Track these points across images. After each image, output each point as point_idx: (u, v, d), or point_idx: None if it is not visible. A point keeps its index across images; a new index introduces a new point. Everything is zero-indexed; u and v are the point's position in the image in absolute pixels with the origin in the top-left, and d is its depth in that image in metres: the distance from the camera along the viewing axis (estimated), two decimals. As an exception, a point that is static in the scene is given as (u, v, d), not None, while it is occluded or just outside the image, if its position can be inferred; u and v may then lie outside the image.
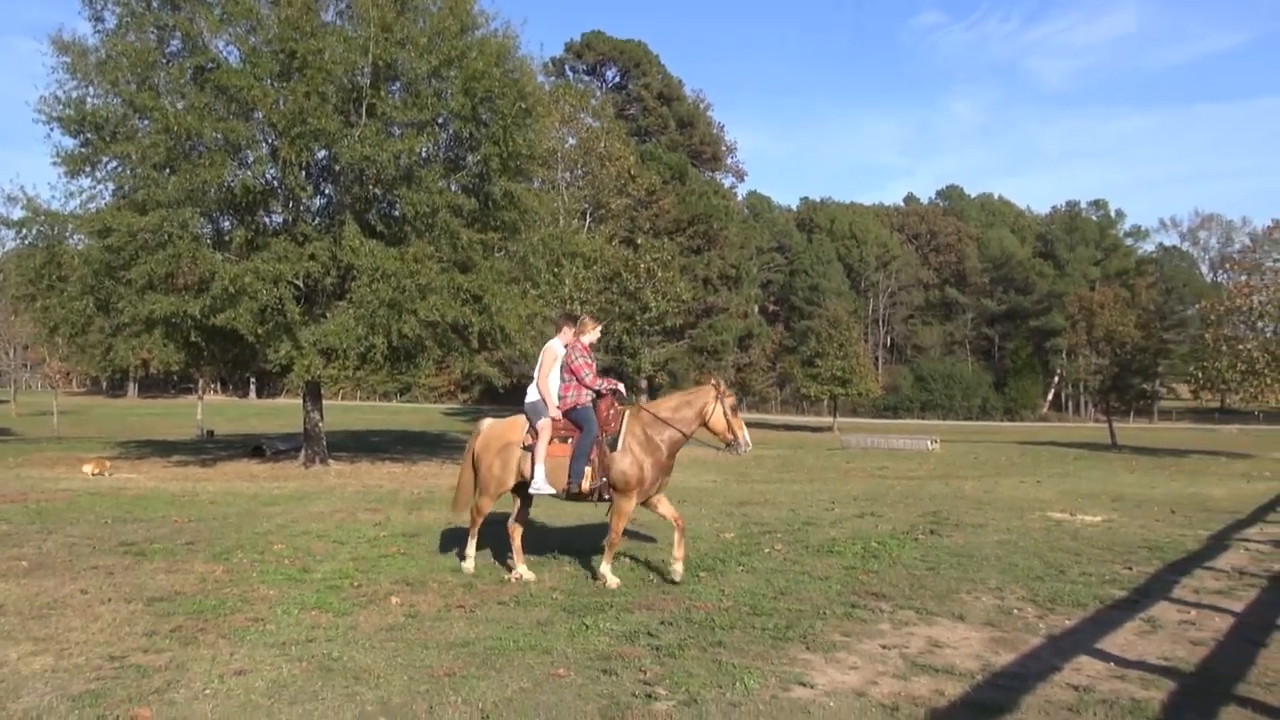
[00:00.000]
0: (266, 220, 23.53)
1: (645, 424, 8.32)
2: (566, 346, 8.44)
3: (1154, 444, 45.87)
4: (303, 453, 24.64)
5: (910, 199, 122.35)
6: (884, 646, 6.16)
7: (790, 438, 57.88)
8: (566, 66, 70.94)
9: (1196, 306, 49.59)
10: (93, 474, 19.59)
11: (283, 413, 57.93)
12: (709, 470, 24.39)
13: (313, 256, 21.05)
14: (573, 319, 8.81)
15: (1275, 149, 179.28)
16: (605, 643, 6.13)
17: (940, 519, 13.17)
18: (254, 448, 28.95)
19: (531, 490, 8.26)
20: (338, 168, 22.20)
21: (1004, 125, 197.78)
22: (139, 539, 10.42)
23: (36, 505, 13.60)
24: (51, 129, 21.42)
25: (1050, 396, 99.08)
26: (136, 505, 14.00)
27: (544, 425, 8.20)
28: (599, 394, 8.34)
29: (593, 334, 8.66)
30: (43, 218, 21.66)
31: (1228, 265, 47.46)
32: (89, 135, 21.47)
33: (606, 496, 8.22)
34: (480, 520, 8.79)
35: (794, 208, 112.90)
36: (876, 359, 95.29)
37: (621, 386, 8.59)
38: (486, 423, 8.91)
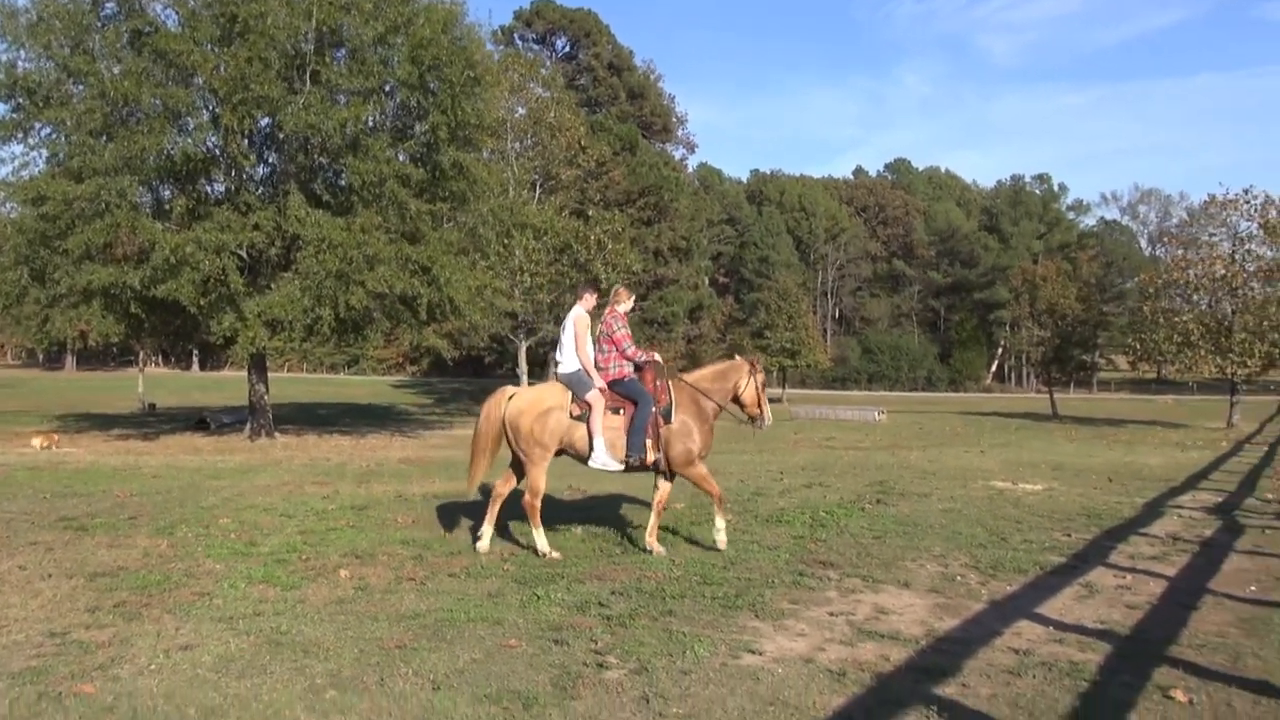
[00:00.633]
0: (208, 189, 22.99)
1: (690, 395, 8.38)
2: (605, 316, 8.40)
3: (1093, 414, 46.96)
4: (248, 426, 24.28)
5: (859, 171, 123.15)
6: (831, 614, 6.26)
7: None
8: (516, 35, 70.03)
9: (1135, 280, 50.75)
10: (41, 447, 19.13)
11: (227, 385, 56.95)
12: (659, 442, 24.48)
13: (257, 226, 20.63)
14: (596, 286, 8.94)
15: (1212, 125, 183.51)
16: (557, 613, 6.15)
17: (887, 489, 13.39)
18: (198, 421, 28.46)
19: (591, 464, 8.10)
20: (282, 136, 21.74)
21: (952, 99, 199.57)
22: (79, 514, 10.22)
23: (-29, 481, 13.26)
24: (-20, 94, 20.71)
25: (994, 368, 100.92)
26: (76, 480, 13.72)
27: (595, 397, 8.07)
28: (638, 366, 8.31)
29: (627, 304, 8.64)
30: (-29, 185, 20.98)
31: (1165, 239, 48.60)
32: (20, 100, 20.77)
33: (663, 469, 8.23)
34: (539, 504, 8.19)
35: (744, 180, 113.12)
36: (825, 331, 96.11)
37: (659, 357, 8.57)
38: (512, 391, 8.49)
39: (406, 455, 19.23)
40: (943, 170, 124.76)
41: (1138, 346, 39.49)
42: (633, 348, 8.28)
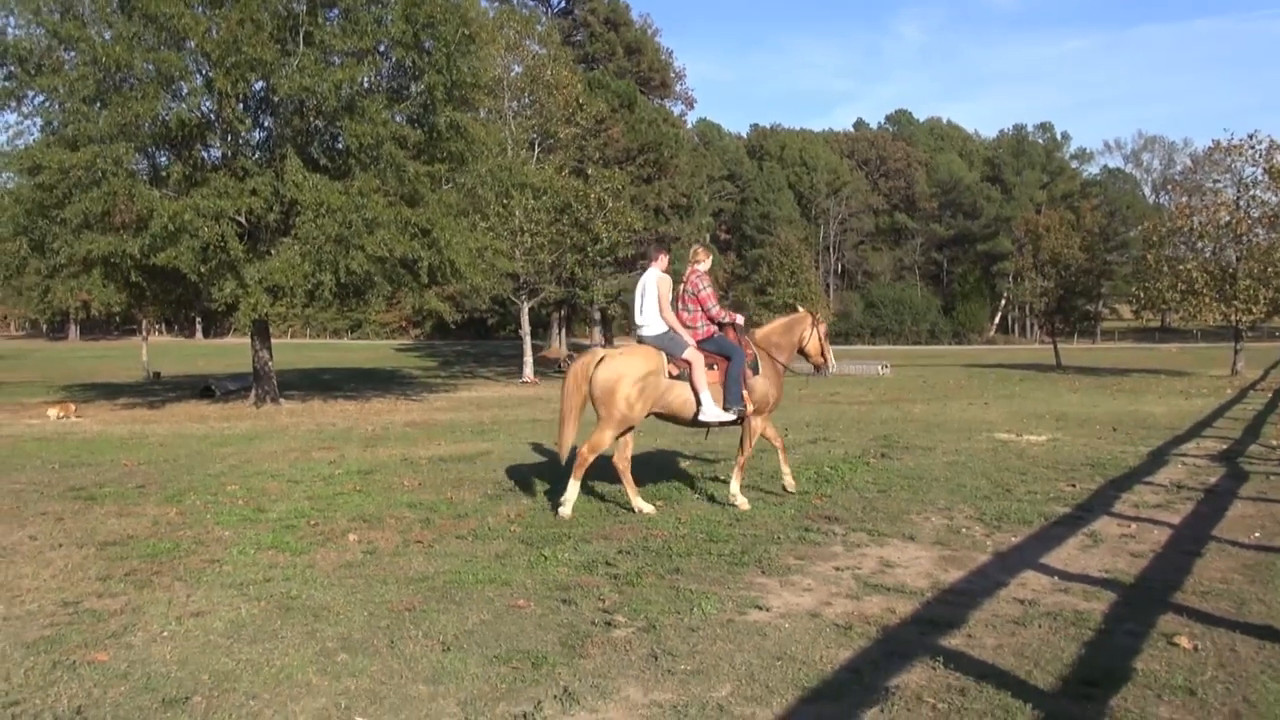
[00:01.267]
0: (205, 155, 22.79)
1: (765, 349, 8.78)
2: (688, 276, 8.56)
3: (1097, 364, 46.94)
4: (253, 392, 24.32)
5: (860, 124, 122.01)
6: (837, 568, 6.30)
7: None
8: (510, -9, 69.09)
9: (1139, 228, 50.34)
10: (57, 417, 19.20)
11: (231, 352, 57.05)
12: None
13: (254, 192, 20.48)
14: (666, 247, 9.13)
15: (1215, 70, 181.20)
16: (564, 573, 6.19)
17: (891, 442, 13.42)
18: (203, 388, 28.51)
19: (703, 418, 8.28)
20: (276, 99, 21.49)
21: (951, 49, 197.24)
22: (88, 483, 10.27)
23: (-21, 452, 13.32)
24: (-30, 63, 20.48)
25: (997, 320, 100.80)
26: (84, 449, 13.78)
27: (694, 355, 8.23)
28: (720, 325, 8.53)
29: (706, 262, 8.78)
30: (-34, 155, 20.82)
31: (1169, 187, 48.20)
32: (12, 68, 20.52)
33: (738, 420, 8.54)
34: (592, 459, 8.19)
35: (744, 135, 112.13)
36: (828, 286, 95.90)
37: (740, 319, 8.76)
38: (602, 354, 8.35)
39: (412, 419, 19.28)
40: (944, 121, 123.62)
41: (1141, 295, 39.35)
42: (717, 307, 8.49)
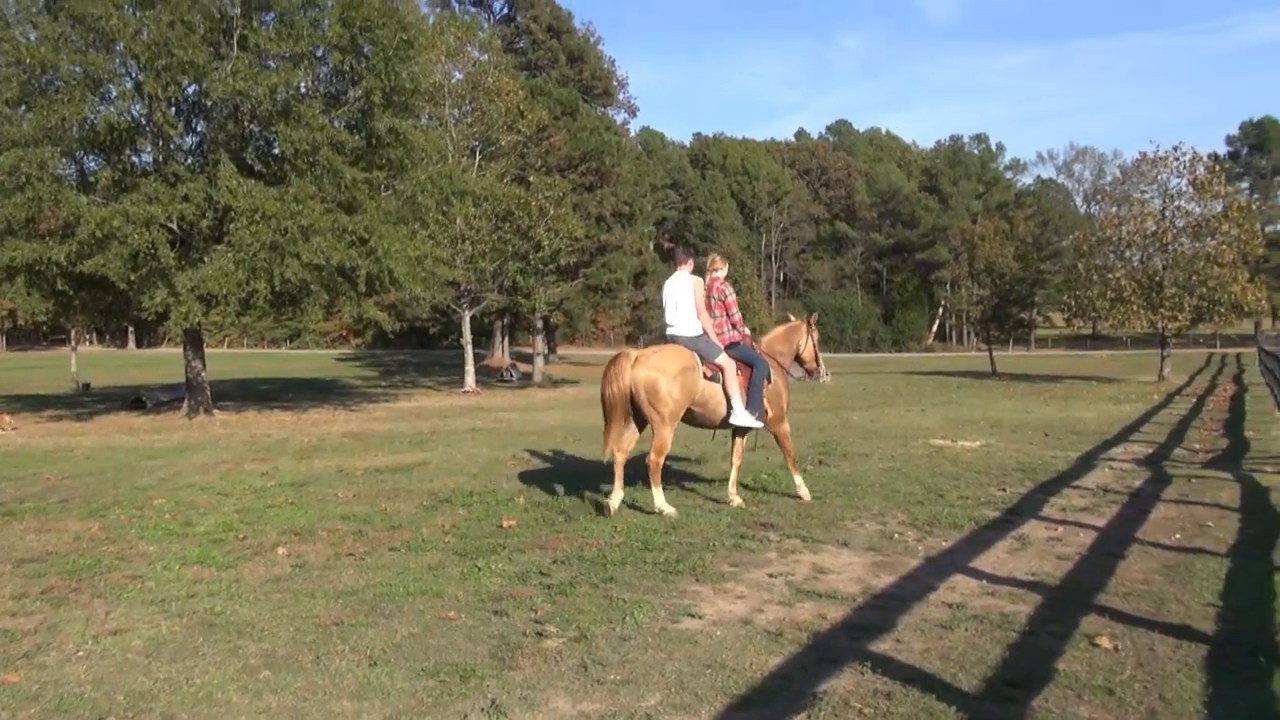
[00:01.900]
0: (135, 160, 22.25)
1: (771, 357, 9.13)
2: (710, 283, 8.86)
3: (1031, 371, 47.90)
4: (185, 403, 23.76)
5: (801, 134, 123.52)
6: (770, 575, 6.32)
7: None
8: (452, -2, 68.72)
9: (1070, 237, 51.63)
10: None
11: (165, 362, 55.72)
12: (605, 408, 24.48)
13: (186, 198, 20.04)
14: (693, 251, 9.34)
15: (1143, 83, 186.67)
16: (497, 584, 6.13)
17: (829, 449, 13.55)
18: (133, 399, 27.79)
19: (734, 420, 8.58)
20: (209, 103, 21.07)
21: (892, 61, 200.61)
22: (7, 498, 9.95)
23: (-108, 467, 12.82)
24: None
25: (935, 327, 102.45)
26: (4, 463, 13.35)
27: (726, 361, 8.55)
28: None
29: (724, 269, 9.14)
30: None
31: (1099, 197, 49.42)
32: (-69, 69, 19.88)
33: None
34: (662, 461, 8.47)
35: (687, 144, 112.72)
36: (770, 294, 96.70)
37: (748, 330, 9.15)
38: (635, 354, 8.52)
39: (350, 430, 19.00)
40: (883, 131, 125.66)
41: (1073, 303, 40.24)
42: (739, 314, 8.97)
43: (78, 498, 9.98)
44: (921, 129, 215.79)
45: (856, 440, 14.85)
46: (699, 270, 9.03)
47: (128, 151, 21.80)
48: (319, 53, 21.79)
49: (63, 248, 19.05)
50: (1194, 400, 24.55)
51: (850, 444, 14.23)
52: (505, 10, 69.60)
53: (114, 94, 20.32)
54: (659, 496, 8.40)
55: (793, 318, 9.99)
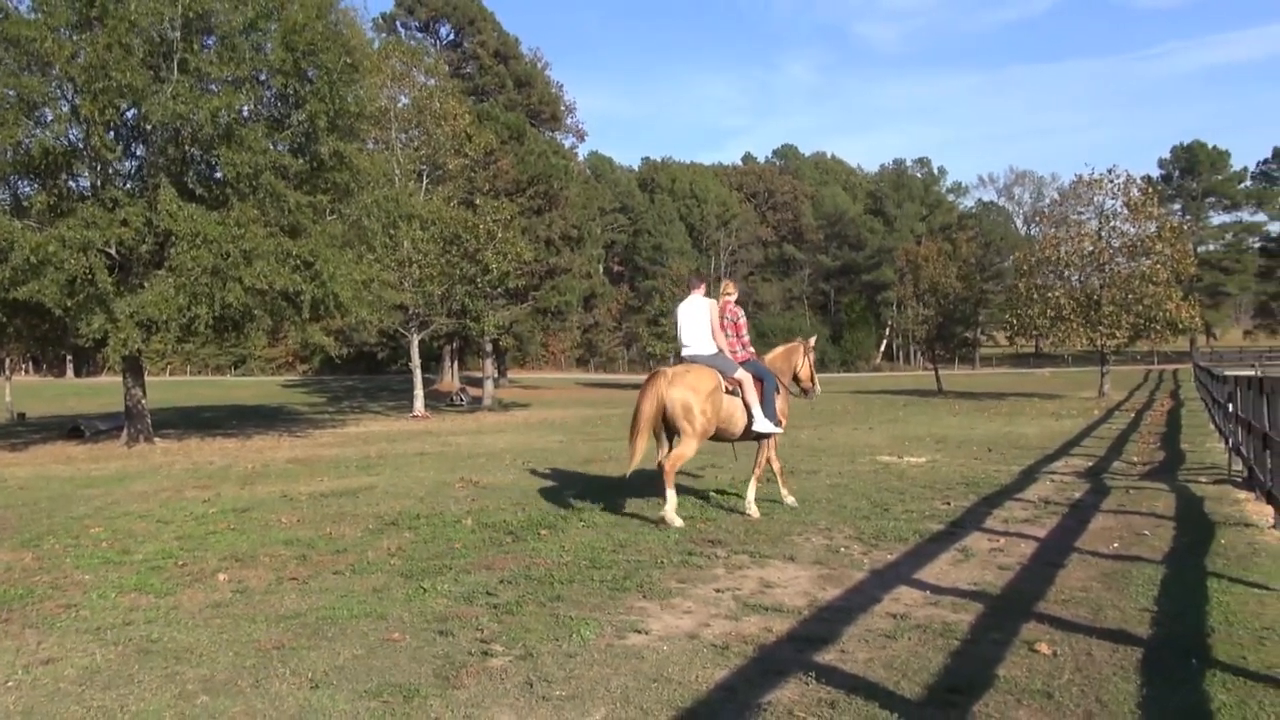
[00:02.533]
0: (71, 184, 21.78)
1: (774, 375, 9.68)
2: (724, 306, 9.48)
3: (975, 389, 48.71)
4: (125, 432, 23.23)
5: (748, 158, 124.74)
6: (718, 590, 6.34)
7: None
8: (398, 23, 68.62)
9: (1011, 258, 52.71)
10: None
11: (105, 391, 54.40)
12: (556, 431, 24.43)
13: (125, 222, 19.66)
14: (703, 277, 10.11)
15: (1080, 108, 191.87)
16: (443, 605, 6.07)
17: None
18: (71, 428, 27.08)
19: (757, 428, 9.21)
20: (149, 127, 20.73)
21: (836, 87, 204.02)
22: (-66, 530, 9.62)
23: None
24: None
25: (883, 347, 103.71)
26: (-67, 495, 12.92)
27: (744, 375, 9.17)
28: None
29: (734, 293, 9.80)
30: None
31: (1038, 219, 50.56)
32: None
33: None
34: (677, 469, 8.93)
35: (635, 168, 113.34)
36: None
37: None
38: (670, 373, 8.98)
39: (295, 455, 18.71)
40: (829, 156, 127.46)
41: (1014, 322, 41.07)
42: (748, 335, 9.64)
43: (9, 528, 9.70)
44: (866, 153, 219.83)
45: (805, 458, 14.96)
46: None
47: (64, 175, 21.35)
48: (261, 76, 21.59)
49: (-4, 274, 18.58)
50: (1133, 415, 25.15)
51: (798, 461, 14.33)
52: (452, 35, 69.75)
53: (49, 117, 19.93)
54: (671, 502, 8.75)
55: (796, 339, 10.91)
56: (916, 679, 4.50)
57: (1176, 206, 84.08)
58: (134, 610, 6.13)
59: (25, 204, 20.59)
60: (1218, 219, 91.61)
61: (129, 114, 20.94)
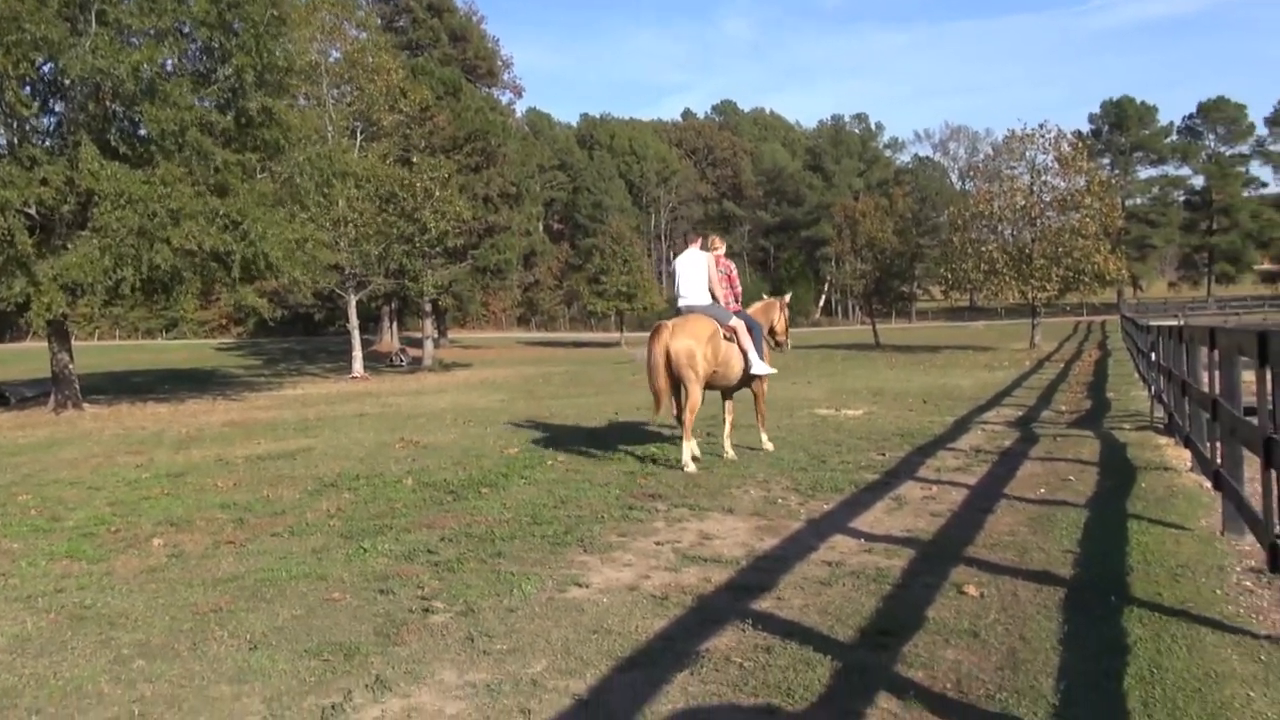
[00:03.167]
0: (-15, 142, 21.00)
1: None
2: (716, 260, 10.01)
3: (912, 342, 49.56)
4: (52, 398, 22.62)
5: (687, 114, 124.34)
6: (658, 543, 6.42)
7: (579, 354, 58.53)
8: (327, -26, 66.63)
9: (946, 212, 53.45)
10: None
11: (30, 357, 52.70)
12: (498, 390, 24.36)
13: (45, 181, 18.99)
14: (700, 233, 10.87)
15: (1014, 64, 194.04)
16: (383, 564, 6.07)
17: (717, 422, 13.70)
18: (-6, 395, 26.33)
19: (754, 371, 10.00)
20: (67, 82, 19.97)
21: (775, 41, 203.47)
22: None
23: None
24: None
25: (822, 302, 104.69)
26: None
27: (738, 323, 9.87)
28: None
29: (723, 247, 10.35)
30: None
31: (973, 174, 51.29)
32: None
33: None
34: (693, 418, 9.57)
35: (574, 125, 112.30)
36: (660, 273, 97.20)
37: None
38: (671, 324, 9.51)
39: (230, 419, 18.41)
40: (768, 112, 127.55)
41: (949, 276, 41.82)
42: (739, 287, 10.35)
43: (-68, 498, 9.42)
44: (805, 109, 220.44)
45: (744, 412, 15.08)
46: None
47: (-23, 134, 20.54)
48: (185, 29, 20.92)
49: (-93, 236, 17.89)
50: (1062, 366, 25.84)
51: (738, 416, 14.44)
52: (384, -13, 67.86)
53: (-41, 71, 19.10)
54: (688, 450, 9.39)
55: (765, 296, 11.74)
56: (850, 623, 4.63)
57: (1106, 161, 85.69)
58: (66, 577, 6.03)
59: (-64, 163, 19.76)
60: (1145, 173, 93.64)
61: (45, 68, 20.15)
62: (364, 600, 5.28)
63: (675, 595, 5.18)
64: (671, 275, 10.46)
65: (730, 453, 10.01)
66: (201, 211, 19.43)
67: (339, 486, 9.10)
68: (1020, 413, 14.18)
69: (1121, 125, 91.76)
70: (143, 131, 20.75)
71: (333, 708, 3.79)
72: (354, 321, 37.69)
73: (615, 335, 68.23)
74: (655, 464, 9.80)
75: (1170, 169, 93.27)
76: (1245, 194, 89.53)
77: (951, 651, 4.23)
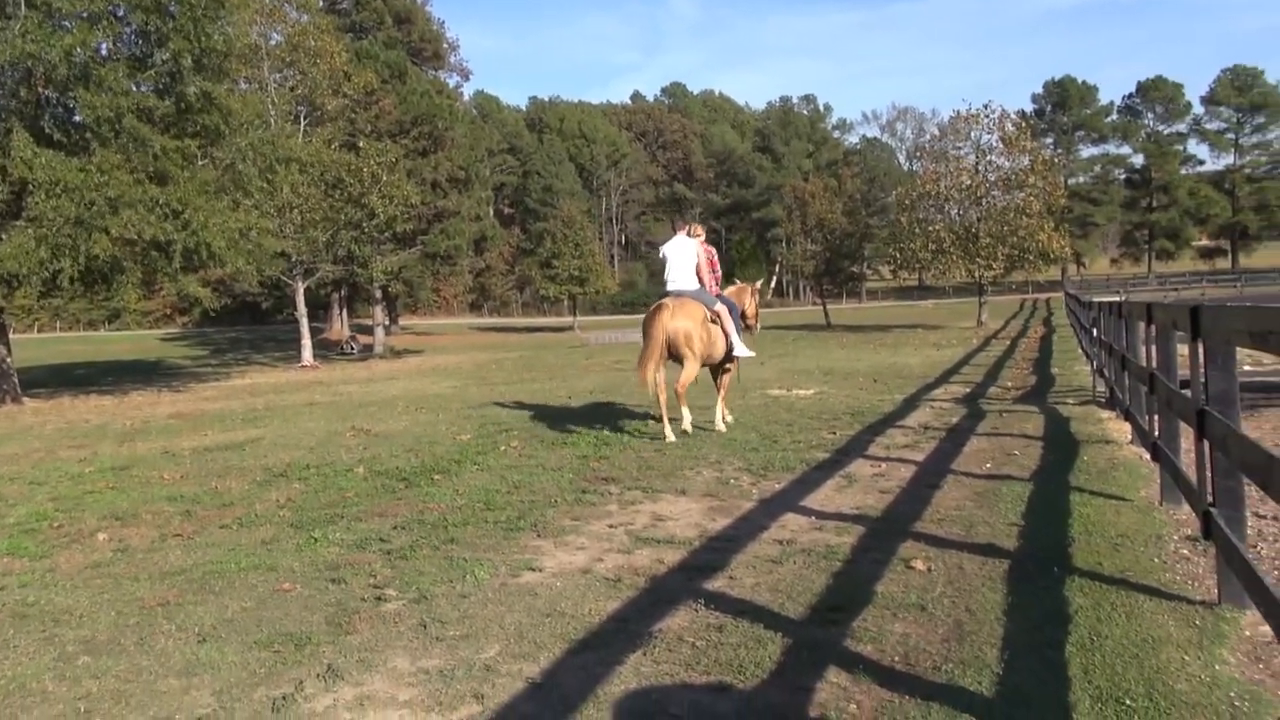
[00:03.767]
0: (-89, 130, 20.33)
1: None
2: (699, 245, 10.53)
3: (862, 322, 50.06)
4: (-11, 393, 22.05)
5: (637, 97, 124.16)
6: (611, 526, 6.45)
7: (532, 339, 58.33)
8: (267, -45, 65.28)
9: (894, 193, 54.01)
10: None
11: (-36, 351, 51.40)
12: (450, 377, 24.20)
13: (-25, 170, 18.49)
14: (686, 220, 11.88)
15: (959, 45, 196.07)
16: (335, 553, 6.02)
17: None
18: (-72, 391, 25.56)
19: (737, 353, 10.66)
20: (-3, 67, 19.42)
21: (723, 23, 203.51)
22: None
23: None
24: None
25: (773, 284, 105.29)
26: None
27: (722, 307, 10.43)
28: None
29: (702, 233, 10.93)
30: None
31: (920, 154, 51.86)
32: None
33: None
34: (685, 389, 10.21)
35: (523, 108, 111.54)
36: (612, 257, 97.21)
37: None
38: (669, 305, 10.02)
39: (177, 410, 18.09)
40: (717, 94, 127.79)
41: (898, 256, 42.32)
42: (720, 271, 11.00)
43: None
44: (753, 90, 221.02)
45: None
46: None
47: (-99, 121, 19.86)
48: (119, 12, 20.39)
49: None
50: (1008, 343, 26.28)
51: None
52: (325, -32, 66.64)
53: (-118, 57, 18.46)
54: (687, 417, 10.29)
55: (738, 281, 12.45)
56: (800, 600, 4.69)
57: (1049, 140, 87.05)
58: (7, 575, 5.90)
59: None
60: (1087, 152, 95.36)
61: (-28, 53, 19.50)
62: (315, 590, 5.24)
63: (628, 577, 5.21)
64: (661, 261, 10.84)
65: (687, 425, 10.37)
66: (141, 200, 19.01)
67: (289, 477, 8.99)
68: (968, 390, 14.41)
69: (1064, 105, 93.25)
70: (78, 118, 20.23)
71: (284, 698, 3.77)
72: (302, 309, 37.19)
73: (569, 320, 68.10)
74: (609, 447, 9.81)
75: (1111, 148, 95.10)
76: (1183, 171, 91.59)
77: (900, 625, 4.30)
